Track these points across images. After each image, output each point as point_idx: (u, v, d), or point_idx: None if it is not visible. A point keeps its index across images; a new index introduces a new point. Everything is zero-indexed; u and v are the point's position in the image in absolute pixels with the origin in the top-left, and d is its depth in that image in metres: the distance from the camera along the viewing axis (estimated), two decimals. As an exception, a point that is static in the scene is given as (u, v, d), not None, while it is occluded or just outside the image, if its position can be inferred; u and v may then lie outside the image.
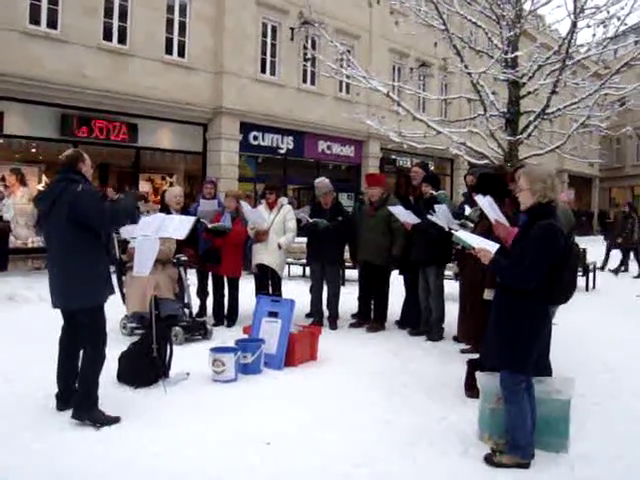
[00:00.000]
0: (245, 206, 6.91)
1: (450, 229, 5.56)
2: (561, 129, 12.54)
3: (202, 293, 7.41)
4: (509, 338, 3.37)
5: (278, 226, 6.95)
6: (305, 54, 16.35)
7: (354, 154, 19.27)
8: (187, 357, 5.32)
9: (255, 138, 16.14)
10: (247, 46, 15.58)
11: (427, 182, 6.70)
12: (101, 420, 3.84)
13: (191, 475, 3.25)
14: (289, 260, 10.13)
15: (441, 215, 5.74)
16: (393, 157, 20.54)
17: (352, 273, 9.17)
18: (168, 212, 6.23)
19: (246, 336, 5.62)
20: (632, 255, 14.35)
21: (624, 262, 14.42)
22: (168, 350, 4.87)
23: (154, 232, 4.64)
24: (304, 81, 17.35)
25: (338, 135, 18.34)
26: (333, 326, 7.03)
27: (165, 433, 3.76)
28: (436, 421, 4.10)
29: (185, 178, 15.97)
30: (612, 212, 18.47)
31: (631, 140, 32.58)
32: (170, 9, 14.20)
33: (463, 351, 5.81)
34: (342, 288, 7.45)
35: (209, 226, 6.79)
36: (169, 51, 14.23)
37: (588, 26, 8.16)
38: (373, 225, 6.85)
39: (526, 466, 3.39)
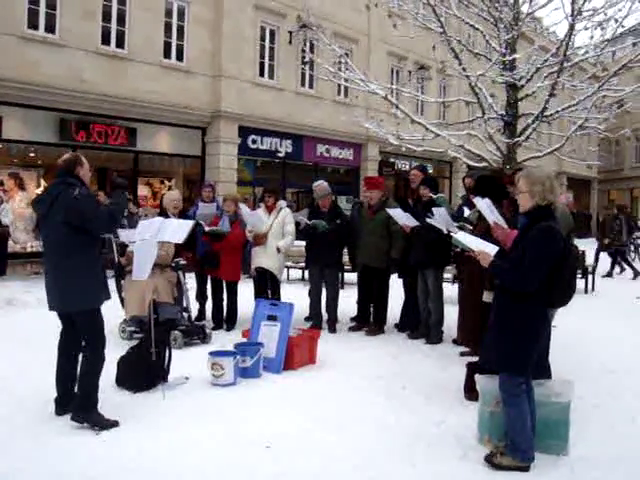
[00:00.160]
0: (244, 209, 6.91)
1: (449, 231, 5.56)
2: (559, 131, 12.52)
3: (201, 297, 7.42)
4: (508, 340, 3.37)
5: (277, 229, 6.94)
6: (303, 57, 16.31)
7: (353, 157, 19.28)
8: (186, 361, 5.31)
9: (254, 142, 16.13)
10: (245, 50, 15.59)
11: (426, 185, 6.69)
12: (100, 423, 3.84)
13: (190, 478, 3.24)
14: (288, 263, 10.13)
15: (440, 218, 5.73)
16: (392, 160, 20.53)
17: (351, 276, 9.16)
18: (166, 216, 6.22)
19: (245, 340, 5.62)
20: (619, 257, 14.09)
21: (614, 264, 14.18)
22: (167, 354, 4.86)
23: (152, 236, 4.65)
24: (302, 84, 17.37)
25: (337, 138, 18.34)
26: (332, 329, 7.02)
27: (164, 437, 3.76)
28: (435, 424, 4.10)
29: (184, 182, 15.93)
30: (602, 214, 18.36)
31: (629, 142, 32.71)
32: (168, 13, 14.21)
33: (462, 354, 5.81)
34: (341, 291, 7.44)
35: (206, 229, 6.79)
36: (167, 55, 14.23)
37: (586, 28, 8.16)
38: (372, 228, 6.84)
39: (526, 469, 3.39)
